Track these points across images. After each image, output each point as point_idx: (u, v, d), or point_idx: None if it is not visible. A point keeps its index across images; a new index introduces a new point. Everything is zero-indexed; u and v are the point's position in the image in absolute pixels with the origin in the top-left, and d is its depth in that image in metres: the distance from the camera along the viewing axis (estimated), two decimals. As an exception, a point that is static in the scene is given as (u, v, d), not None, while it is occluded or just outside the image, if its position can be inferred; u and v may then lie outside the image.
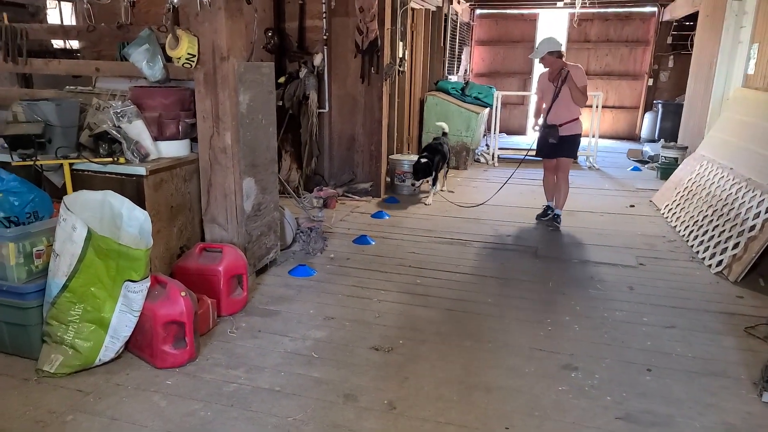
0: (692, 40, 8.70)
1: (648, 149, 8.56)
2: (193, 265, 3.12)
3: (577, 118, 4.83)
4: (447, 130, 6.57)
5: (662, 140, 8.65)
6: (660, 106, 10.08)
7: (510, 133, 11.64)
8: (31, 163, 2.90)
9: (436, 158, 5.76)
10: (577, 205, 5.68)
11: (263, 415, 2.29)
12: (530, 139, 9.90)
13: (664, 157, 7.24)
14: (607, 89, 11.14)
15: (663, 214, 5.46)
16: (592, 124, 8.22)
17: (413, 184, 5.87)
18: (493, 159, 8.17)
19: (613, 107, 11.38)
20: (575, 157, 5.11)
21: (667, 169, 6.85)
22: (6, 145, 2.93)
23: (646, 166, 8.16)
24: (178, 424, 2.22)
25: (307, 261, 3.99)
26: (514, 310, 3.33)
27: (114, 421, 2.23)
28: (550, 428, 2.25)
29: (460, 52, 10.35)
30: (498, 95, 8.12)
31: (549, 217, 5.06)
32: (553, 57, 4.68)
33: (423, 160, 5.64)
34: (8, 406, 2.31)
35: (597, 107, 8.06)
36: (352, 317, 3.18)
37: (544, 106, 5.00)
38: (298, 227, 4.26)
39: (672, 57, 10.70)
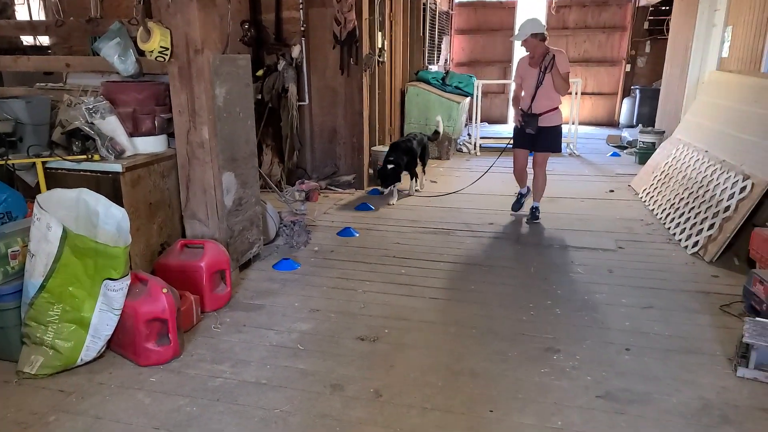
0: (668, 25, 8.80)
1: (627, 135, 8.67)
2: (175, 262, 3.09)
3: (557, 108, 4.57)
4: (440, 128, 6.27)
5: (640, 125, 8.75)
6: (638, 91, 10.20)
7: (491, 122, 11.70)
8: (3, 162, 2.84)
9: (404, 159, 5.35)
10: (557, 192, 5.74)
11: (250, 408, 2.29)
12: (511, 127, 9.96)
13: (642, 142, 7.34)
14: (585, 76, 11.23)
15: (641, 198, 5.55)
16: (572, 110, 8.29)
17: (382, 192, 5.47)
18: (475, 148, 8.21)
19: (593, 94, 11.49)
20: (558, 150, 4.74)
21: (644, 154, 6.94)
22: (-24, 144, 2.86)
23: (624, 151, 8.26)
24: (164, 420, 2.22)
25: (291, 254, 3.98)
26: (498, 296, 3.36)
27: (98, 420, 2.22)
28: (533, 410, 2.29)
29: (440, 42, 10.34)
30: (478, 84, 8.14)
31: (529, 214, 4.83)
32: (537, 40, 4.36)
33: (389, 166, 5.21)
34: (-12, 409, 2.27)
35: (576, 94, 8.13)
36: (337, 309, 3.18)
37: (523, 93, 4.70)
38: (281, 221, 4.24)
39: (649, 42, 10.83)
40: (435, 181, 6.35)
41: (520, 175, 4.99)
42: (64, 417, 2.23)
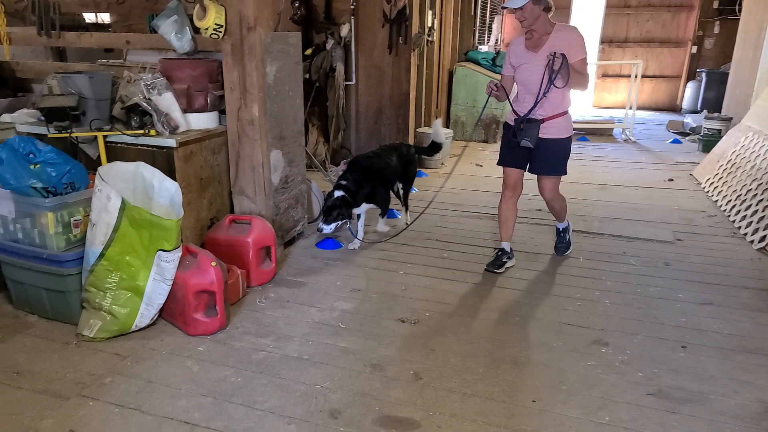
0: (740, 4, 8.21)
1: (689, 120, 8.22)
2: (223, 237, 3.17)
3: (567, 112, 3.17)
4: (441, 139, 4.33)
5: (705, 111, 8.28)
6: (704, 74, 9.63)
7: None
8: (67, 135, 2.96)
9: (367, 186, 3.65)
10: (610, 179, 5.52)
11: (292, 382, 2.34)
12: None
13: (707, 128, 6.93)
14: (647, 57, 10.69)
15: (704, 188, 5.26)
16: (630, 94, 7.92)
17: (320, 230, 3.56)
18: (524, 131, 7.97)
19: (653, 77, 10.93)
20: (562, 172, 3.29)
21: (709, 142, 6.57)
22: (42, 117, 3.00)
23: (686, 138, 7.85)
24: (210, 388, 2.29)
25: (334, 234, 4.01)
26: (543, 284, 3.28)
27: (150, 384, 2.32)
28: (577, 402, 2.23)
29: (491, 21, 10.05)
30: (531, 65, 7.86)
31: (557, 239, 3.66)
32: (539, 8, 2.95)
33: (337, 193, 3.55)
34: (50, 368, 2.42)
35: (636, 76, 7.74)
36: (378, 289, 3.19)
37: (517, 88, 3.25)
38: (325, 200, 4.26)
39: (718, 22, 10.16)
40: (480, 165, 6.23)
41: (506, 211, 3.42)
42: (119, 379, 2.35)
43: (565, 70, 2.95)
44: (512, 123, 3.23)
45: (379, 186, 3.76)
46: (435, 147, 4.32)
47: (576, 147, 7.18)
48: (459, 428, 2.08)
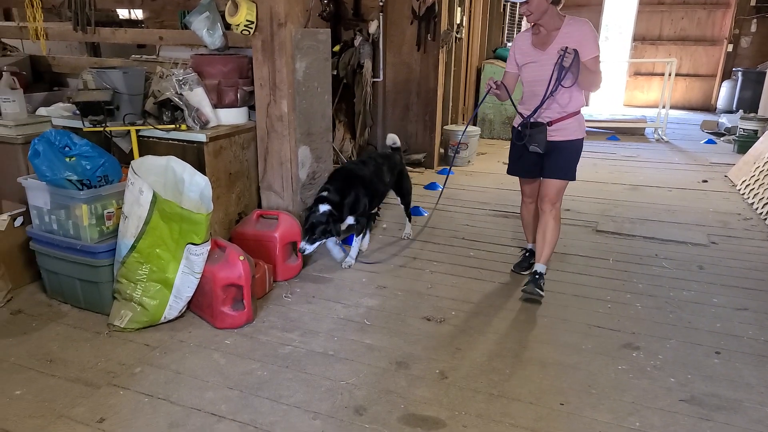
0: (782, 1, 7.92)
1: (724, 121, 7.97)
2: (251, 231, 3.20)
3: (579, 112, 2.92)
4: (398, 143, 3.86)
5: (741, 111, 8.02)
6: (740, 74, 9.33)
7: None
8: (101, 129, 3.03)
9: (347, 199, 3.19)
10: (641, 180, 5.40)
11: (317, 377, 2.34)
12: (592, 110, 9.46)
13: (743, 129, 6.72)
14: (681, 55, 10.42)
15: (739, 190, 5.10)
16: (663, 93, 7.72)
17: (303, 251, 3.11)
18: (552, 130, 7.85)
19: (687, 75, 10.65)
20: (572, 177, 2.99)
21: (745, 142, 6.37)
22: (78, 111, 3.07)
23: (721, 138, 7.62)
24: (237, 381, 2.31)
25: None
26: (572, 285, 3.22)
27: (178, 375, 2.35)
28: (607, 407, 2.18)
29: (521, 18, 9.90)
30: (560, 63, 7.74)
31: (530, 281, 3.03)
32: (547, 1, 2.71)
33: (324, 208, 3.10)
34: (82, 356, 2.47)
35: (670, 75, 7.55)
36: (404, 287, 3.18)
37: (523, 89, 3.00)
38: (352, 196, 4.26)
39: (755, 21, 9.83)
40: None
41: (528, 215, 3.33)
42: (148, 369, 2.39)
43: (575, 68, 2.70)
44: (518, 127, 3.02)
45: (366, 197, 3.30)
46: (397, 150, 3.84)
47: (606, 146, 7.04)
48: (485, 429, 2.06)
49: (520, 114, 2.99)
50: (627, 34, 11.10)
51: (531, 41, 2.88)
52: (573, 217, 4.40)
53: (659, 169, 6.00)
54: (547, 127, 2.87)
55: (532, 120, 2.89)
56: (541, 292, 2.98)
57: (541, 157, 2.98)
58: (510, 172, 3.24)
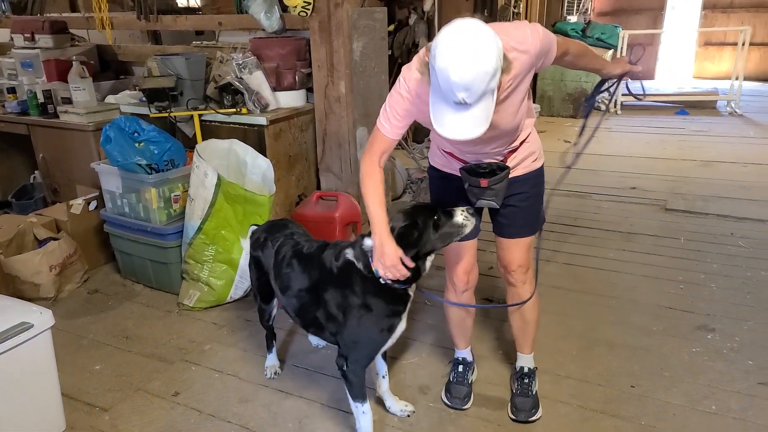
0: None
1: (806, 90, 7.35)
2: (311, 213, 3.24)
3: (532, 133, 1.85)
4: None
5: (826, 79, 7.37)
6: (824, 38, 8.55)
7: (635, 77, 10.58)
8: (167, 114, 3.13)
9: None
10: (713, 155, 5.07)
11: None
12: (658, 84, 8.95)
13: (829, 98, 6.17)
14: (755, 23, 9.63)
15: (825, 164, 4.70)
16: (737, 63, 7.19)
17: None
18: (615, 106, 7.50)
19: (762, 44, 9.85)
20: (541, 222, 2.02)
21: (831, 113, 5.85)
22: (144, 98, 3.18)
23: (802, 110, 7.04)
24: (302, 359, 2.37)
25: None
26: (640, 266, 3.08)
27: (245, 353, 2.43)
28: (681, 389, 2.09)
29: (579, -10, 9.45)
30: (624, 35, 7.35)
31: (517, 386, 2.05)
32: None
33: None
34: (156, 333, 2.60)
35: (743, 44, 7.01)
36: (463, 267, 3.13)
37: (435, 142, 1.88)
38: (409, 177, 4.25)
39: None
40: (569, 141, 5.93)
41: (457, 317, 2.13)
42: (217, 347, 2.48)
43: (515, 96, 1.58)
44: (454, 172, 1.83)
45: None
46: None
47: (675, 121, 6.67)
48: (552, 410, 2.01)
49: (456, 159, 1.81)
50: (696, 2, 10.38)
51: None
52: (640, 196, 4.20)
53: (732, 143, 5.62)
54: (504, 172, 1.74)
55: (480, 164, 1.74)
56: (538, 412, 1.98)
57: (496, 213, 1.92)
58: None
